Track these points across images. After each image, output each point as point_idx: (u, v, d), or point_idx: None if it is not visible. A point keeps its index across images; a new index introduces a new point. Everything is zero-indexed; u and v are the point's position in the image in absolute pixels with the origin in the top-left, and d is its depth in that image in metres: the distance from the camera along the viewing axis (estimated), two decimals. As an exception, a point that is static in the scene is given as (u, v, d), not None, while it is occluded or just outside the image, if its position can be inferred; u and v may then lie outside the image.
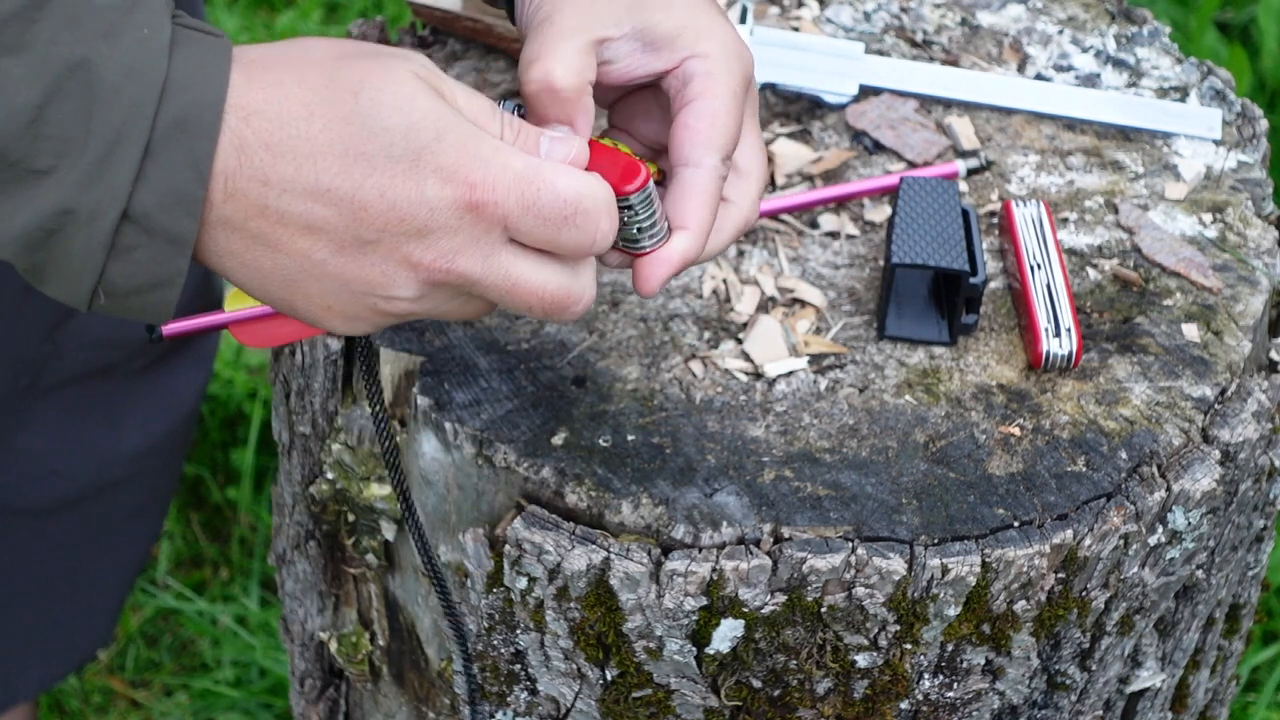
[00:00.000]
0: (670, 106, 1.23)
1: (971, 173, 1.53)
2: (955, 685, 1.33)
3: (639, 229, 1.19)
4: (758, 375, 1.37)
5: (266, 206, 1.07)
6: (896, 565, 1.26)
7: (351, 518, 1.42)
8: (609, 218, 1.13)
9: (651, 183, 1.18)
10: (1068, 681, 1.37)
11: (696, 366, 1.38)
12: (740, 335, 1.40)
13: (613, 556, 1.26)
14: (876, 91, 1.59)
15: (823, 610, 1.27)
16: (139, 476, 2.00)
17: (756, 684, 1.31)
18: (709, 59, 1.22)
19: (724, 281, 1.44)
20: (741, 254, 1.46)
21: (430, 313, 1.14)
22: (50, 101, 1.03)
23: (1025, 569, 1.28)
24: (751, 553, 1.26)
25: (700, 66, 1.22)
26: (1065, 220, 1.50)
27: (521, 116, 1.19)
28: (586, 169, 1.15)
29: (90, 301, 1.08)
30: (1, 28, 1.02)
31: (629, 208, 1.18)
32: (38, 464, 1.91)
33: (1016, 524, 1.29)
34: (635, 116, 1.26)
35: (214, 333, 1.55)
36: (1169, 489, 1.32)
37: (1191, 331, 1.41)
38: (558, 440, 1.32)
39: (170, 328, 1.35)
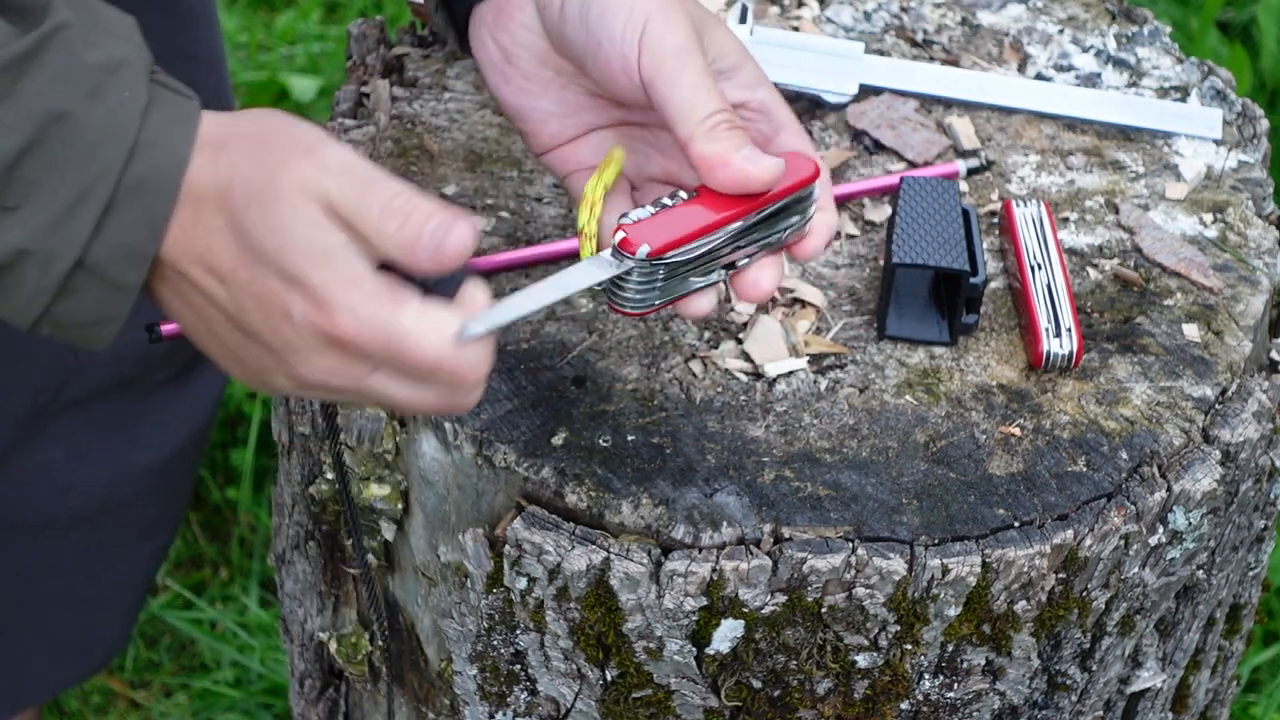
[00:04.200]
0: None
1: (972, 173, 1.53)
2: (955, 685, 1.33)
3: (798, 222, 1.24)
4: (758, 375, 1.37)
5: (180, 270, 1.12)
6: (897, 565, 1.26)
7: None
8: (473, 376, 1.12)
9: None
10: (1068, 682, 1.37)
11: (696, 366, 1.37)
12: (740, 335, 1.40)
13: (613, 557, 1.26)
14: (876, 91, 1.59)
15: (823, 610, 1.27)
16: (154, 490, 2.00)
17: (756, 684, 1.31)
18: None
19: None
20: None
21: (325, 398, 1.16)
22: (30, 149, 1.07)
23: (1025, 569, 1.28)
24: (751, 553, 1.26)
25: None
26: (1065, 220, 1.49)
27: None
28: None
29: (31, 329, 1.12)
30: None
31: (807, 198, 1.23)
32: (56, 479, 1.91)
33: (1017, 524, 1.29)
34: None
35: None
36: (1169, 489, 1.31)
37: (1192, 331, 1.41)
38: (558, 440, 1.31)
39: (169, 327, 1.35)
